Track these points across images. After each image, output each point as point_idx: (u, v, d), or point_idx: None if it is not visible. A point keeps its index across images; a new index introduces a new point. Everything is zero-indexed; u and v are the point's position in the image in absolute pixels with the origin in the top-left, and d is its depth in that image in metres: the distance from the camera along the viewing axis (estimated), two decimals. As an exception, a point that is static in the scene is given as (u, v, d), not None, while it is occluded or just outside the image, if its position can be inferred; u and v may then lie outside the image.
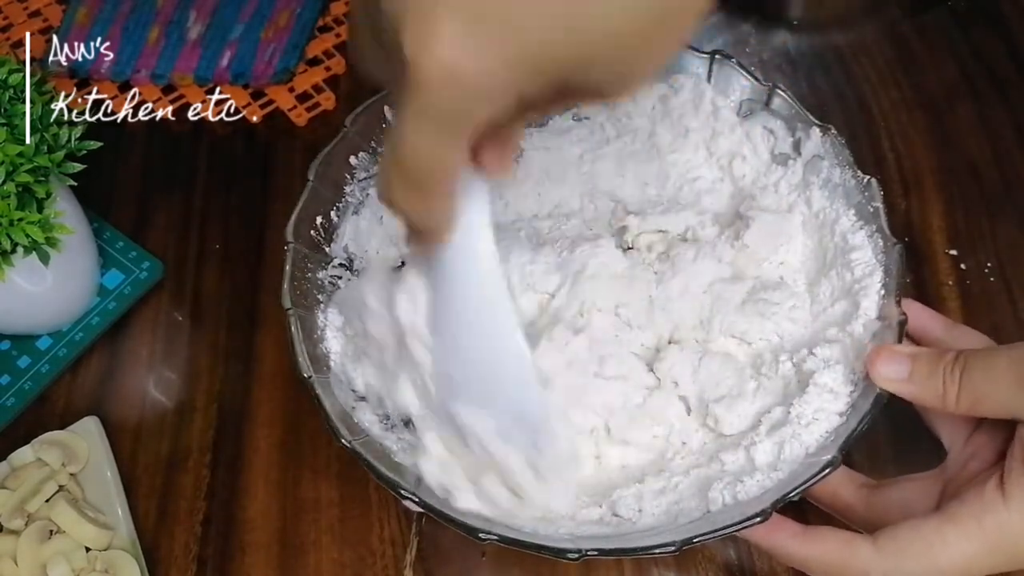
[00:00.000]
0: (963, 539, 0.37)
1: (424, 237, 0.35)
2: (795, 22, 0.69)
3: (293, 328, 0.45)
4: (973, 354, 0.40)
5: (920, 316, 0.45)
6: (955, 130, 0.65)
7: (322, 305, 0.49)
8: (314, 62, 0.69)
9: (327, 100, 0.67)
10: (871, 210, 0.47)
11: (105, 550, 0.49)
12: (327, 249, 0.51)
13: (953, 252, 0.59)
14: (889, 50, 0.68)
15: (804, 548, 0.40)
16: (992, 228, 0.60)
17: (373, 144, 0.52)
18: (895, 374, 0.41)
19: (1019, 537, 0.37)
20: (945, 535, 0.38)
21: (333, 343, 0.48)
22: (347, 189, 0.52)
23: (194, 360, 0.57)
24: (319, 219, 0.50)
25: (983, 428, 0.41)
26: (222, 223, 0.62)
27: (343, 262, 0.52)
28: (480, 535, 0.38)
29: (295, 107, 0.66)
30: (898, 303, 0.44)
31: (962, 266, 0.58)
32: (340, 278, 0.51)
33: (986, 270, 0.58)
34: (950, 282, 0.58)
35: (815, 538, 0.40)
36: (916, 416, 0.45)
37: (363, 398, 0.47)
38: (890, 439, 0.51)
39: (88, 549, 0.48)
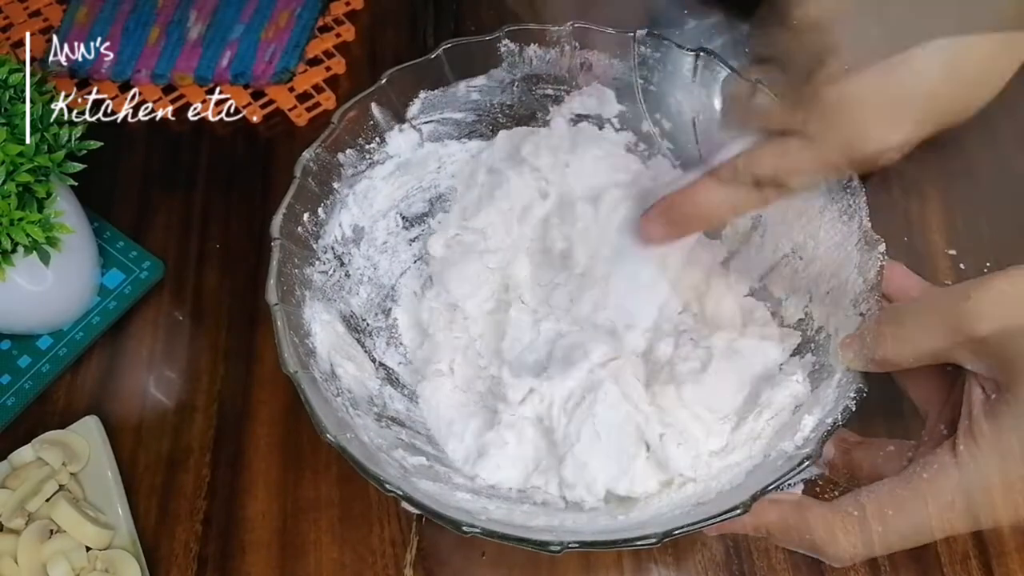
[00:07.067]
0: (918, 502, 0.37)
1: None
2: (795, 22, 0.69)
3: (279, 323, 0.44)
4: (902, 306, 0.40)
5: (898, 277, 0.45)
6: (955, 130, 0.64)
7: (309, 301, 0.49)
8: (314, 62, 0.69)
9: (327, 100, 0.67)
10: (853, 207, 0.47)
11: (105, 549, 0.49)
12: (314, 246, 0.51)
13: (952, 252, 0.59)
14: (889, 50, 0.68)
15: (762, 515, 0.40)
16: (991, 228, 0.60)
17: (360, 141, 0.52)
18: (853, 353, 0.41)
19: (971, 496, 0.37)
20: (900, 498, 0.38)
21: (321, 338, 0.48)
22: (335, 186, 0.52)
23: (194, 360, 0.57)
24: (306, 215, 0.50)
25: (952, 395, 0.41)
26: (222, 223, 0.62)
27: (338, 255, 0.52)
28: (463, 528, 0.39)
29: (295, 107, 0.66)
30: (878, 299, 0.44)
31: (961, 266, 0.59)
32: (330, 272, 0.51)
33: (985, 270, 0.58)
34: (949, 282, 0.58)
35: (771, 505, 0.40)
36: (913, 407, 0.45)
37: (352, 394, 0.47)
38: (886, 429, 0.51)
39: (88, 548, 0.48)
